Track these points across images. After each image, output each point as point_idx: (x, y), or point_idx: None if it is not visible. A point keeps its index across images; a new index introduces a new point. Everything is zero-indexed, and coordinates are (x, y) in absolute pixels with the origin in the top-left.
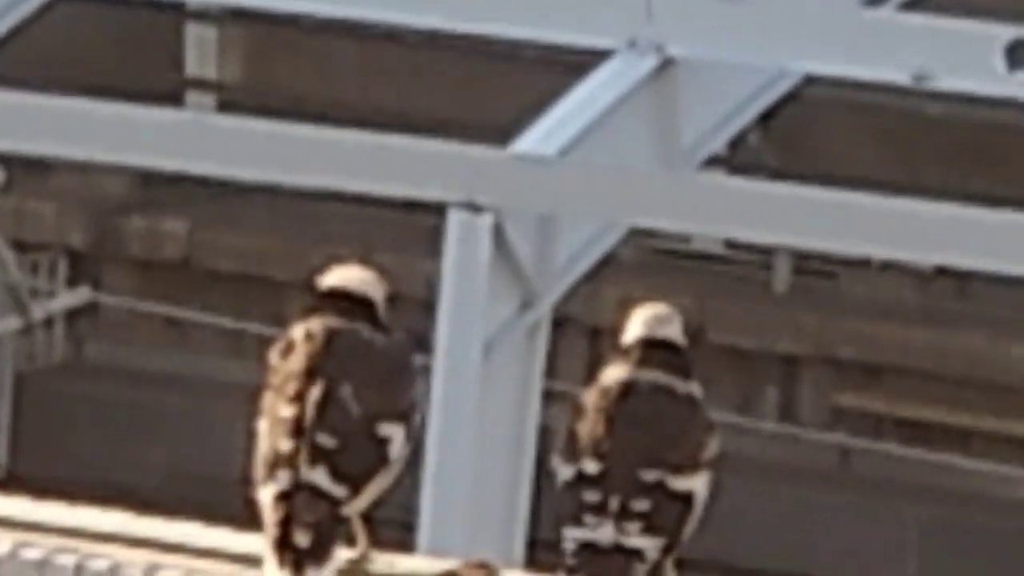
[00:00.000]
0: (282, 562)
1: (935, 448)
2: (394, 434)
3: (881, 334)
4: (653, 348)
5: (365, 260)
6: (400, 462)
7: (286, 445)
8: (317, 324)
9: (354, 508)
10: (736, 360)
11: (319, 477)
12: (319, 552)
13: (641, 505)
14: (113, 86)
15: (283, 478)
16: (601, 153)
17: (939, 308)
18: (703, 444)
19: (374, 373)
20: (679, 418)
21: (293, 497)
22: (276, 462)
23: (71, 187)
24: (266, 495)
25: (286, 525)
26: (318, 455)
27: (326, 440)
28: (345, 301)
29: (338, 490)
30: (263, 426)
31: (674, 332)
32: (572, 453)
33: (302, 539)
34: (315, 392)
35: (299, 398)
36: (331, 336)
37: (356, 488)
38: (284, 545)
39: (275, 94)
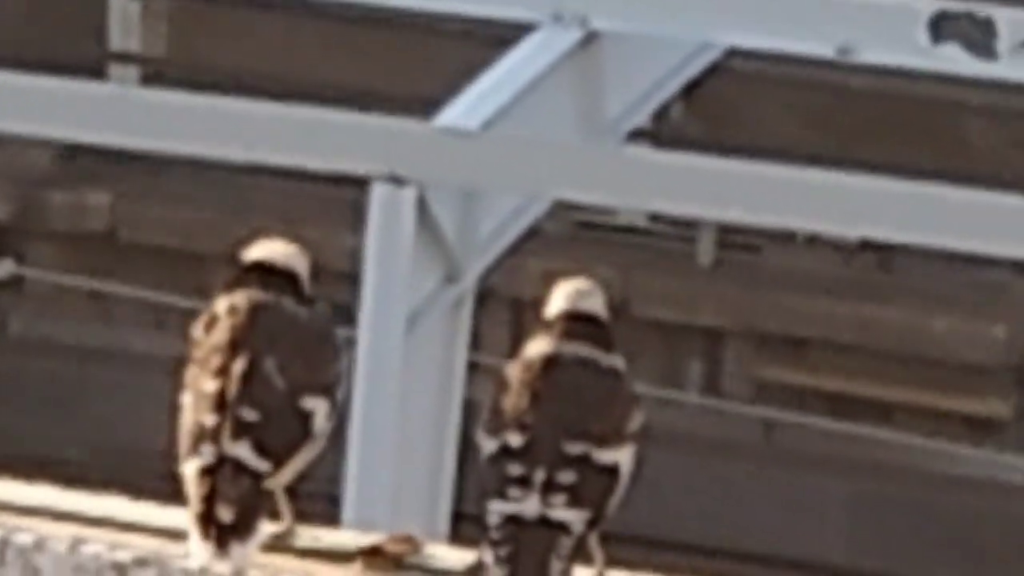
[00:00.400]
0: (206, 536)
1: (859, 421)
2: (317, 408)
3: (805, 308)
4: (576, 321)
5: (288, 234)
6: (324, 436)
7: (210, 419)
8: (241, 297)
9: (278, 482)
10: (660, 333)
11: (242, 451)
12: (243, 527)
13: (566, 478)
14: (36, 59)
15: (207, 452)
16: (525, 126)
17: (863, 281)
18: (627, 417)
19: (298, 347)
20: (603, 391)
21: (216, 471)
22: (200, 436)
23: None
24: (190, 469)
25: (210, 500)
26: (241, 429)
27: (249, 414)
28: (269, 274)
29: (261, 464)
30: (187, 400)
31: (597, 306)
32: (496, 426)
33: (225, 514)
34: (239, 365)
35: (223, 372)
36: (255, 309)
37: (279, 462)
38: (208, 520)
39: (199, 67)
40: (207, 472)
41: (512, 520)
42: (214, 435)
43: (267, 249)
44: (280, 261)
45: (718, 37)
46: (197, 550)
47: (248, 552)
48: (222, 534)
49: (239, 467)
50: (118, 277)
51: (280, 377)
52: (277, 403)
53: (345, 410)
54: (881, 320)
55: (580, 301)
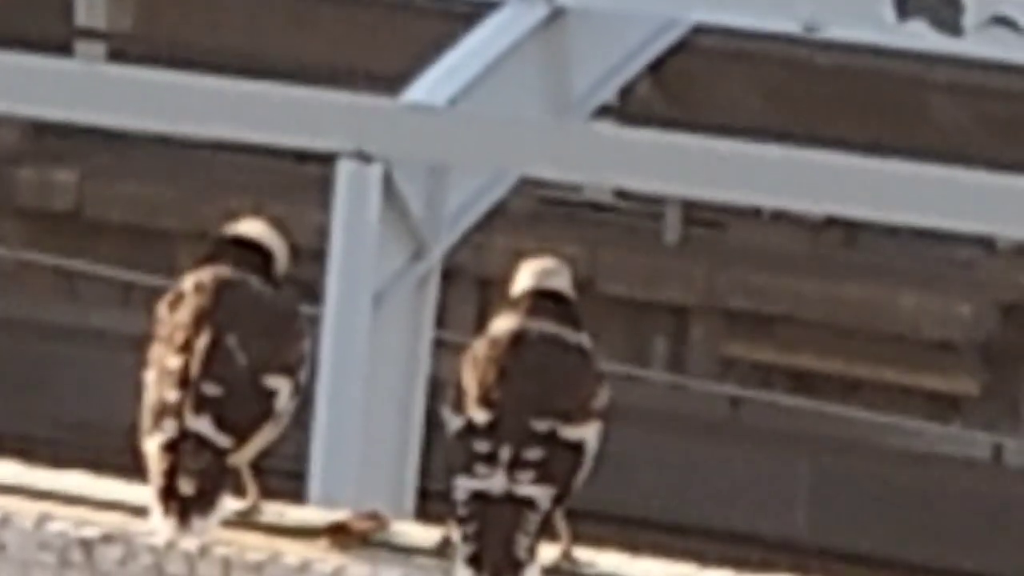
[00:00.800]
0: (167, 511)
1: (825, 398)
2: (280, 387)
3: (771, 284)
4: (542, 298)
5: (255, 211)
6: (287, 416)
7: (172, 395)
8: (207, 275)
9: (240, 458)
10: (626, 310)
11: (203, 426)
12: (204, 500)
13: (533, 454)
14: (2, 35)
15: (169, 427)
16: (491, 103)
17: (829, 258)
18: (593, 394)
19: (262, 325)
20: (569, 368)
21: (178, 446)
22: (162, 412)
23: None
24: (152, 445)
25: (171, 474)
26: (203, 404)
27: (211, 389)
28: (242, 251)
29: (222, 439)
30: (150, 377)
31: (563, 284)
32: (462, 403)
33: (187, 487)
34: (202, 342)
35: (186, 348)
36: (220, 287)
37: (241, 438)
38: (169, 494)
39: (165, 44)
40: (169, 447)
41: (479, 497)
42: (176, 410)
43: (245, 226)
44: (255, 238)
45: (684, 14)
46: (159, 525)
47: (209, 526)
48: (183, 507)
49: (201, 442)
50: (84, 255)
51: (243, 354)
52: (239, 379)
53: (309, 390)
54: (847, 297)
55: (546, 279)
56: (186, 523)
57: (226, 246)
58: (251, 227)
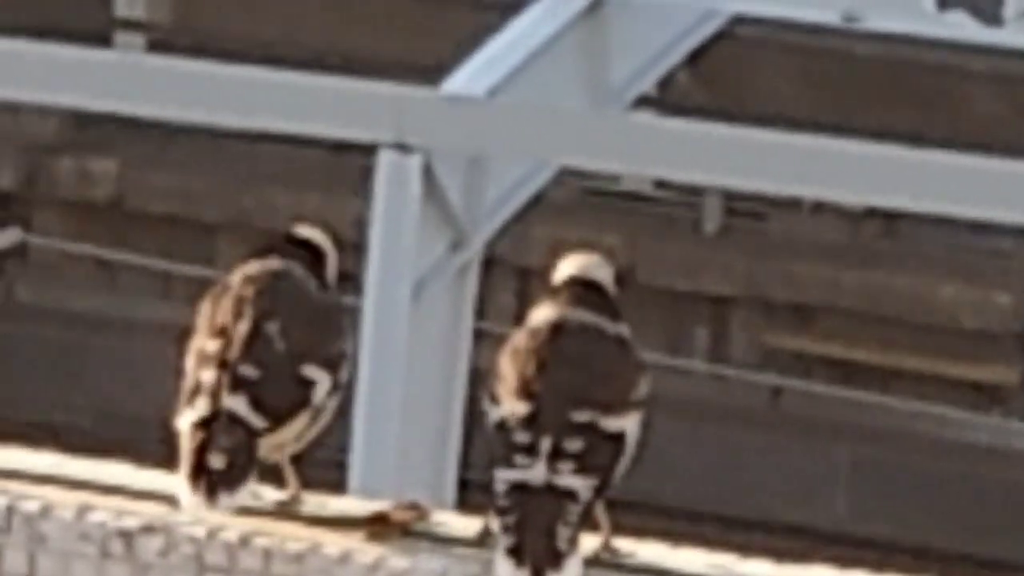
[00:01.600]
0: (195, 487)
1: (865, 388)
2: (319, 379)
3: (811, 274)
4: (582, 288)
5: (318, 222)
6: (326, 412)
7: (208, 376)
8: (254, 267)
9: (276, 446)
10: (666, 301)
11: (238, 404)
12: (232, 477)
13: (573, 445)
14: (42, 26)
15: (201, 405)
16: (531, 93)
17: (868, 248)
18: (634, 384)
19: (304, 316)
20: (609, 358)
21: (211, 424)
22: (196, 391)
23: (0, 128)
24: (184, 423)
25: (202, 451)
26: (239, 384)
27: (248, 371)
28: (292, 246)
29: (256, 420)
30: (189, 362)
31: (604, 277)
32: (501, 394)
33: (216, 461)
34: (242, 327)
35: (225, 333)
36: (266, 277)
37: (275, 422)
38: (199, 469)
39: (204, 34)
40: (201, 425)
41: (519, 488)
42: (211, 390)
43: (301, 228)
44: (309, 237)
45: (724, 4)
46: (187, 501)
47: (236, 503)
48: (212, 482)
49: (234, 419)
50: (124, 245)
51: (282, 341)
52: (277, 365)
53: (350, 389)
54: (887, 287)
55: (588, 270)
56: (213, 498)
57: (280, 242)
58: (306, 229)
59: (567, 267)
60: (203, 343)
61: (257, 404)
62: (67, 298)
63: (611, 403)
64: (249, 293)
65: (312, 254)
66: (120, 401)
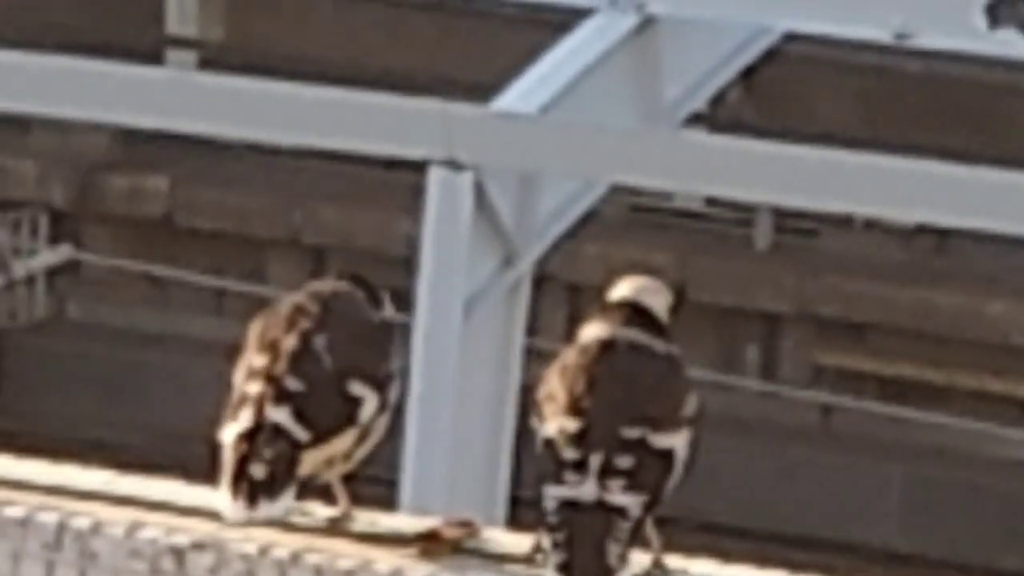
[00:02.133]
0: (236, 494)
1: (916, 405)
2: (366, 397)
3: (862, 292)
4: (634, 309)
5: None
6: (375, 431)
7: (254, 388)
8: (316, 284)
9: (320, 459)
10: (717, 318)
11: (282, 416)
12: (273, 486)
13: (624, 462)
14: (94, 44)
15: (245, 417)
16: (582, 111)
17: (920, 265)
18: (683, 401)
19: (353, 335)
20: (658, 375)
21: (254, 436)
22: (241, 403)
23: (52, 145)
24: (228, 435)
25: (244, 461)
26: (283, 396)
27: (293, 384)
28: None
29: (299, 432)
30: (237, 377)
31: (658, 304)
32: (551, 411)
33: (258, 470)
34: (289, 342)
35: (273, 347)
36: (316, 296)
37: (319, 436)
38: (240, 477)
39: (256, 52)
40: (244, 437)
41: (569, 504)
42: (256, 402)
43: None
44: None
45: (775, 22)
46: (226, 508)
47: (275, 513)
48: (252, 491)
49: (277, 431)
50: (174, 262)
51: (329, 357)
52: (323, 380)
53: (399, 409)
54: (938, 304)
55: (642, 295)
56: (253, 506)
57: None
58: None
59: (623, 288)
60: (251, 358)
61: (301, 416)
62: (118, 315)
63: (661, 420)
64: (299, 311)
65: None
66: (171, 418)
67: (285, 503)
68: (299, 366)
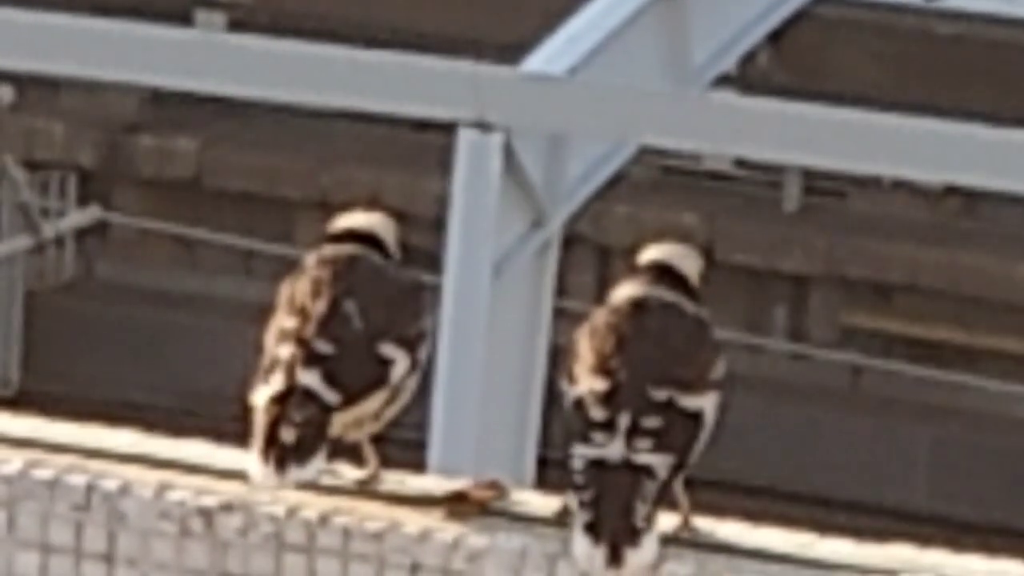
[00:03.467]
0: (266, 459)
1: (944, 367)
2: (397, 358)
3: (891, 253)
4: (665, 269)
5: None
6: (405, 392)
7: (285, 351)
8: (331, 249)
9: (354, 425)
10: (746, 279)
11: (312, 380)
12: (303, 451)
13: (652, 422)
14: (123, 5)
15: (277, 381)
16: (611, 72)
17: (948, 227)
18: (712, 363)
19: (383, 296)
20: (688, 336)
21: (285, 399)
22: (272, 366)
23: (81, 106)
24: (259, 398)
25: (275, 425)
26: (313, 359)
27: (323, 346)
28: (357, 239)
29: (330, 395)
30: (268, 340)
31: (690, 268)
32: (580, 371)
33: (287, 435)
34: (320, 305)
35: (303, 311)
36: (344, 259)
37: (349, 398)
38: (270, 442)
39: (285, 13)
40: (276, 400)
41: (596, 464)
42: (287, 365)
43: (353, 219)
44: (367, 228)
45: None
46: (256, 473)
47: (305, 477)
48: (282, 455)
49: (308, 395)
50: (203, 223)
51: (360, 319)
52: (354, 342)
53: (429, 369)
54: (966, 265)
55: (674, 258)
56: (283, 471)
57: (342, 236)
58: (360, 218)
59: (654, 251)
60: (282, 321)
61: (331, 379)
62: (146, 276)
63: (690, 381)
64: (327, 273)
65: (374, 242)
66: (199, 378)
67: (315, 467)
68: (329, 329)
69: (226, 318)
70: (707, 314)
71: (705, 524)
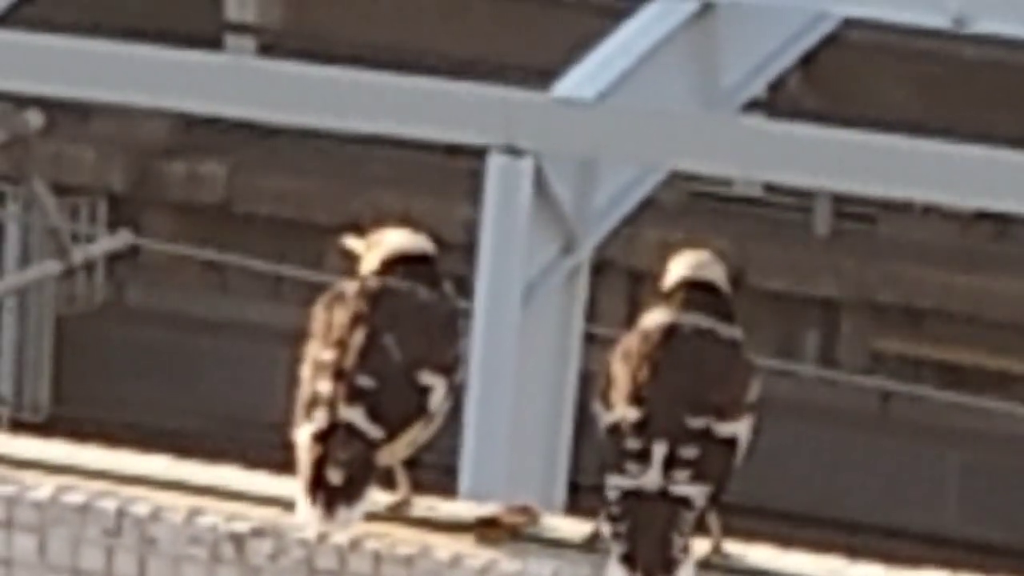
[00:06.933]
0: (314, 500)
1: (974, 392)
2: (435, 385)
3: (921, 278)
4: (695, 291)
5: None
6: (441, 416)
7: (325, 387)
8: (373, 281)
9: (391, 453)
10: (776, 304)
11: (356, 416)
12: (351, 491)
13: (689, 452)
14: (153, 30)
15: (320, 418)
16: (641, 96)
17: (979, 252)
18: (746, 387)
19: (419, 325)
20: (722, 362)
21: (329, 437)
22: (314, 402)
23: (111, 131)
24: (303, 435)
25: (320, 464)
26: (356, 395)
27: (365, 381)
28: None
29: (374, 431)
30: (305, 372)
31: (717, 276)
32: (613, 398)
33: (335, 476)
34: (358, 337)
35: (341, 344)
36: (380, 289)
37: (393, 431)
38: (317, 483)
39: (314, 38)
40: (319, 437)
41: (632, 494)
42: (329, 401)
43: (399, 237)
44: (413, 247)
45: (834, 8)
46: (305, 515)
47: (355, 516)
48: (330, 497)
49: (352, 432)
50: (233, 248)
51: (398, 350)
52: (394, 374)
53: (463, 392)
54: (996, 290)
55: (700, 271)
56: (332, 513)
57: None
58: (402, 237)
59: (678, 267)
60: (319, 352)
61: (375, 415)
62: (176, 300)
63: (725, 408)
64: (364, 306)
65: (422, 260)
66: (229, 403)
67: (364, 507)
68: (369, 362)
69: (256, 343)
70: (740, 334)
71: (736, 549)
